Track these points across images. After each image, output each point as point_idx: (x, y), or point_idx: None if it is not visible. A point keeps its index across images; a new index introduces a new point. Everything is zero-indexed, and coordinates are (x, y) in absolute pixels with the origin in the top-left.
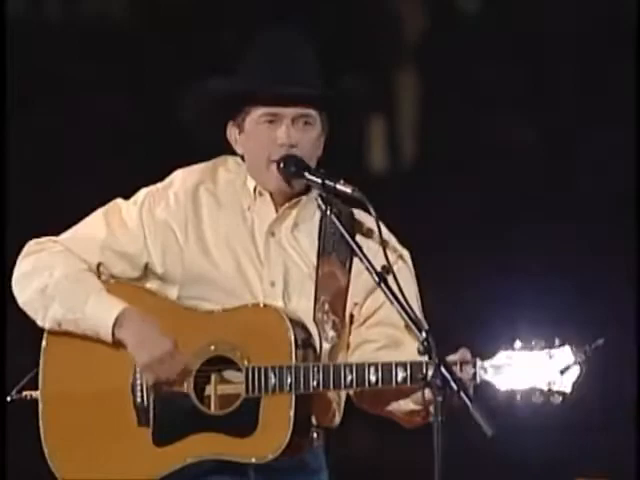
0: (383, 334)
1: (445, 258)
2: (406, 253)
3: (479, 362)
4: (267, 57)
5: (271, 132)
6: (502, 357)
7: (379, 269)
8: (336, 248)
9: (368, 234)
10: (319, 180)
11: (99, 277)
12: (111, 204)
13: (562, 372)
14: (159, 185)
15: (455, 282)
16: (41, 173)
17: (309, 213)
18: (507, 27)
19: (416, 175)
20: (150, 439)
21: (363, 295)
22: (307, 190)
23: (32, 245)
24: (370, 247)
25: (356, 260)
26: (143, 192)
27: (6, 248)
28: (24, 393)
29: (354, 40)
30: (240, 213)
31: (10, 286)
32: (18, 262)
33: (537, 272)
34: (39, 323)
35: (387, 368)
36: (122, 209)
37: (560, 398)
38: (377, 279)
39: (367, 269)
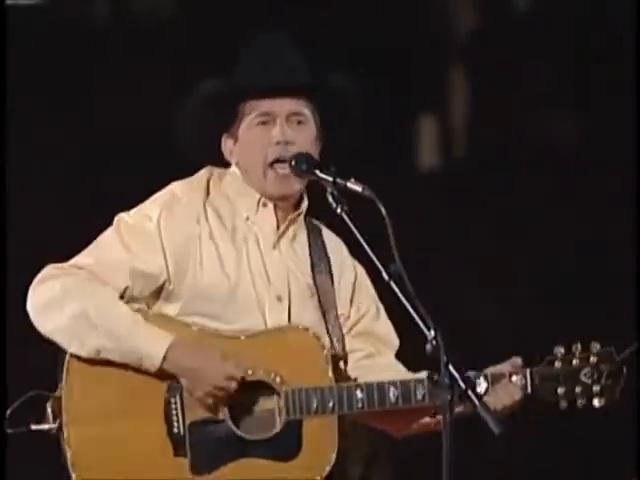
0: (367, 343)
1: (494, 257)
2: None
3: (529, 372)
4: (256, 57)
5: (266, 133)
6: (548, 366)
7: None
8: (322, 260)
9: (335, 249)
10: (330, 178)
11: (123, 299)
12: (119, 223)
13: (608, 376)
14: (163, 199)
15: (505, 282)
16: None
17: (301, 226)
18: (558, 25)
19: (466, 174)
20: (188, 469)
21: (347, 306)
22: (301, 200)
23: (52, 269)
24: (336, 261)
25: (334, 271)
26: (154, 208)
27: (6, 248)
28: (43, 426)
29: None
30: (241, 224)
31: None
32: (37, 285)
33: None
34: (72, 351)
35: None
36: (134, 227)
37: (603, 402)
38: (387, 278)
39: (380, 267)
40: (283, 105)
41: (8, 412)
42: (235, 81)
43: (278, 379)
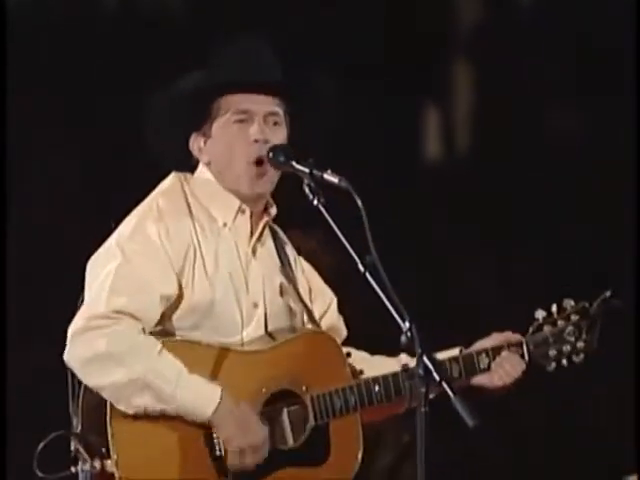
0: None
1: (497, 246)
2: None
3: (525, 340)
4: (235, 55)
5: (243, 131)
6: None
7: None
8: (285, 259)
9: (288, 247)
10: (307, 170)
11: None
12: (124, 251)
13: (587, 331)
14: (152, 214)
15: (511, 270)
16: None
17: (267, 230)
18: (561, 18)
19: (469, 165)
20: None
21: (308, 300)
22: (269, 205)
23: (93, 320)
24: (289, 253)
25: (293, 267)
26: (152, 225)
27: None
28: (85, 466)
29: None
30: (219, 232)
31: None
32: (79, 337)
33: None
34: (120, 408)
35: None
36: (141, 251)
37: (582, 357)
38: (363, 269)
39: (356, 259)
40: (261, 104)
41: (36, 456)
42: (214, 77)
43: (304, 387)
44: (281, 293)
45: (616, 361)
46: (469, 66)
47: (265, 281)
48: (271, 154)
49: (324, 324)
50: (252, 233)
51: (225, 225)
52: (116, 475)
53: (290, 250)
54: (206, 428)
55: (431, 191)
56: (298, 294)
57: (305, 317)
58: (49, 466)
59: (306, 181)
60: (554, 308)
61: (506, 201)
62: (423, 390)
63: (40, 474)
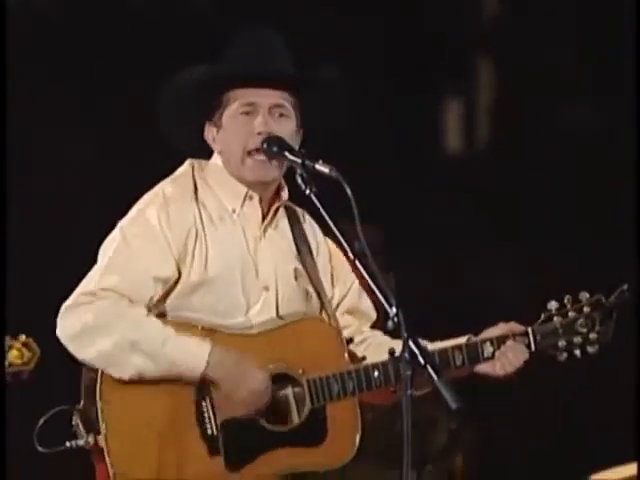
0: (353, 318)
1: (518, 240)
2: None
3: (531, 330)
4: (245, 47)
5: (248, 123)
6: (546, 322)
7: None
8: (304, 243)
9: (310, 232)
10: (299, 160)
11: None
12: (125, 234)
13: (600, 323)
14: (156, 199)
15: (532, 266)
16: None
17: (283, 214)
18: (578, 11)
19: (491, 158)
20: (223, 466)
21: (329, 286)
22: (280, 190)
23: (82, 296)
24: (313, 244)
25: (314, 252)
26: (153, 210)
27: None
28: (79, 441)
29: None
30: (229, 218)
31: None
32: (69, 313)
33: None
34: (115, 375)
35: (445, 356)
36: (141, 234)
37: (597, 347)
38: (352, 256)
39: (345, 246)
40: (267, 97)
41: (36, 431)
42: (222, 69)
43: (300, 370)
44: (295, 277)
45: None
46: (488, 62)
47: (278, 265)
48: (265, 145)
49: (343, 308)
50: (264, 218)
51: (234, 211)
52: (105, 450)
53: (313, 234)
54: (197, 405)
55: (449, 183)
56: (312, 279)
57: (326, 302)
58: (53, 441)
59: (299, 171)
60: (567, 299)
61: (523, 194)
62: (409, 374)
63: (40, 448)
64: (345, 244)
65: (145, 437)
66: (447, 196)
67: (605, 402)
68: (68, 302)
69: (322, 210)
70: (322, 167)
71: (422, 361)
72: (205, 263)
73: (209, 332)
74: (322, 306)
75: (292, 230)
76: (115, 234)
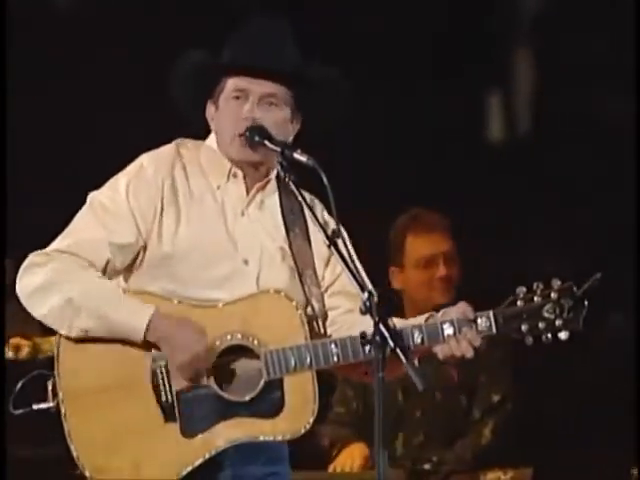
0: (344, 300)
1: (557, 226)
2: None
3: (492, 313)
4: (246, 37)
5: (238, 108)
6: (510, 306)
7: (330, 233)
8: (297, 223)
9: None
10: (279, 149)
11: (106, 273)
12: (92, 201)
13: (569, 310)
14: (130, 170)
15: (571, 248)
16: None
17: (271, 190)
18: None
19: (531, 145)
20: (179, 432)
21: (323, 266)
22: (270, 170)
23: (36, 256)
24: (309, 221)
25: (311, 233)
26: (122, 180)
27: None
28: (39, 405)
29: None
30: (210, 193)
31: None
32: (24, 273)
33: None
34: (63, 333)
35: (405, 333)
36: (106, 202)
37: (568, 334)
38: (327, 241)
39: (321, 231)
40: (258, 86)
41: (14, 394)
42: (219, 58)
43: (256, 342)
44: (282, 256)
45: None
46: (529, 52)
47: (262, 242)
48: (247, 133)
49: (334, 289)
50: (248, 195)
51: (218, 188)
52: (62, 415)
53: (312, 217)
54: (153, 372)
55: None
56: (295, 259)
57: (307, 282)
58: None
59: (278, 159)
60: (536, 285)
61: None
62: (380, 356)
63: (12, 411)
64: (321, 230)
65: (99, 401)
66: (494, 180)
67: None
68: (24, 264)
69: (299, 196)
70: (300, 156)
71: (392, 344)
72: (175, 235)
73: (177, 304)
74: (302, 286)
75: (283, 211)
76: (87, 201)
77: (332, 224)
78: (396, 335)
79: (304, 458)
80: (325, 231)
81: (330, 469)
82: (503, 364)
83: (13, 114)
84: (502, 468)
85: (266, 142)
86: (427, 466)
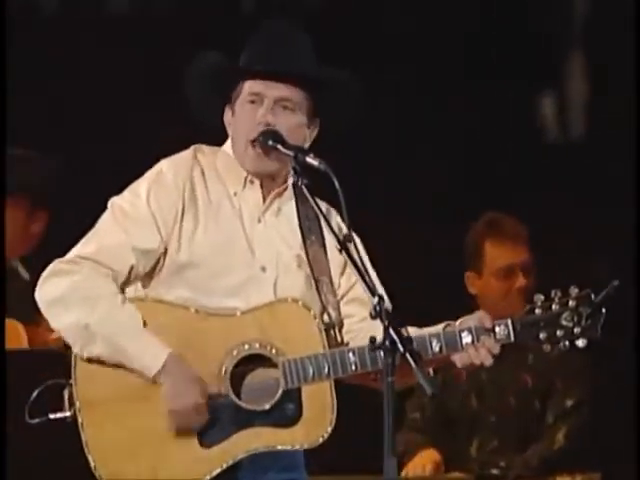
0: (360, 308)
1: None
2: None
3: (510, 321)
4: (263, 41)
5: (252, 112)
6: (528, 314)
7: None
8: (313, 231)
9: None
10: (292, 153)
11: (130, 280)
12: (113, 207)
13: (587, 318)
14: (150, 175)
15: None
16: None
17: (288, 197)
18: None
19: (586, 146)
20: (197, 442)
21: (338, 274)
22: (286, 178)
23: (59, 264)
24: (324, 229)
25: (327, 241)
26: (142, 185)
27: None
28: (56, 415)
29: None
30: (227, 200)
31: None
32: (45, 281)
33: None
34: (75, 351)
35: (422, 341)
36: (126, 207)
37: (586, 341)
38: (339, 246)
39: (333, 235)
40: (273, 89)
41: (29, 403)
42: (235, 61)
43: (274, 351)
44: (298, 264)
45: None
46: (580, 55)
47: (277, 248)
48: (261, 137)
49: (350, 297)
50: (265, 203)
51: (235, 194)
52: (79, 423)
53: (326, 225)
54: None
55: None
56: (312, 267)
57: (324, 290)
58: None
59: (292, 164)
60: (554, 293)
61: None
62: (389, 361)
63: (28, 420)
64: (333, 236)
65: (116, 410)
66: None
67: None
68: (47, 270)
69: (312, 202)
70: (312, 160)
71: (402, 349)
72: (192, 242)
73: (195, 312)
74: (318, 294)
75: (300, 218)
76: (108, 207)
77: (344, 229)
78: (405, 340)
79: (377, 463)
80: (337, 236)
81: (402, 474)
82: (580, 370)
83: (13, 114)
84: (570, 473)
85: (279, 146)
86: (495, 471)
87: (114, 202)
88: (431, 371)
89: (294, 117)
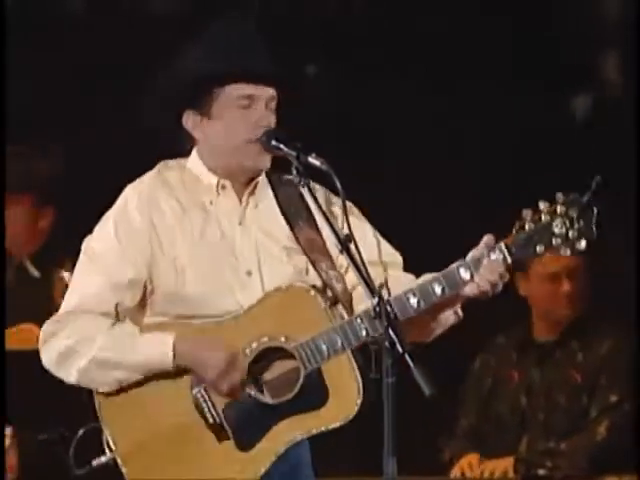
0: (374, 269)
1: None
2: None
3: (503, 244)
4: (230, 43)
5: (248, 116)
6: (520, 231)
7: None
8: (300, 215)
9: (328, 204)
10: (294, 153)
11: (119, 316)
12: (86, 250)
13: (579, 219)
14: (116, 209)
15: None
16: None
17: (263, 191)
18: None
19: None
20: (235, 448)
21: (336, 251)
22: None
23: (49, 326)
24: (315, 211)
25: (318, 220)
26: (109, 221)
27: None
28: (96, 461)
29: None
30: (203, 210)
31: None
32: (44, 348)
33: None
34: (99, 390)
35: (425, 288)
36: (97, 247)
37: (585, 243)
38: (340, 247)
39: (333, 234)
40: (262, 91)
41: (70, 453)
42: (216, 65)
43: (284, 339)
44: (288, 255)
45: None
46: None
47: (261, 248)
48: (264, 138)
49: (350, 275)
50: (241, 203)
51: (211, 203)
52: (121, 467)
53: (325, 203)
54: (195, 398)
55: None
56: (306, 251)
57: (323, 267)
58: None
59: (294, 164)
60: (541, 204)
61: None
62: (390, 361)
63: (76, 470)
64: (334, 236)
65: (154, 447)
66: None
67: None
68: (41, 336)
69: (312, 202)
70: (314, 160)
71: (400, 349)
72: (175, 262)
73: (197, 328)
74: (318, 272)
75: (282, 206)
76: (82, 249)
77: (345, 229)
78: (404, 341)
79: (424, 468)
80: (338, 236)
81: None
82: (625, 366)
83: (13, 110)
84: (618, 474)
85: (282, 146)
86: (541, 471)
87: (87, 244)
88: (459, 310)
89: (275, 116)
